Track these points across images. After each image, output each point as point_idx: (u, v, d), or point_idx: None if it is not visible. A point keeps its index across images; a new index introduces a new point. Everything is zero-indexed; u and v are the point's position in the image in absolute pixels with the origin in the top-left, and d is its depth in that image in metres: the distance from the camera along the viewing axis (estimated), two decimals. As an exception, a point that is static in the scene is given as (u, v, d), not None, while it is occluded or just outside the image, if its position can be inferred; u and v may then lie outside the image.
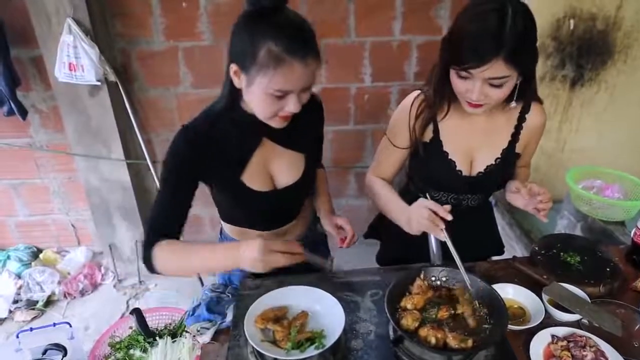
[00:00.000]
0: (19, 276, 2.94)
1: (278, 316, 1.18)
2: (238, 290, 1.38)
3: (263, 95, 1.09)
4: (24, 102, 2.54)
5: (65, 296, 2.92)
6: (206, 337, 1.28)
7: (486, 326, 1.12)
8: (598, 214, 2.06)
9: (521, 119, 1.38)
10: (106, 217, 2.92)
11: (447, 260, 1.30)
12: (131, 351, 1.77)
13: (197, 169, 1.23)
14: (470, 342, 1.05)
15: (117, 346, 1.85)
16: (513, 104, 1.30)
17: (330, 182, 1.67)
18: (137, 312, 1.70)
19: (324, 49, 2.63)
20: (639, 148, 2.75)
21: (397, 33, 2.65)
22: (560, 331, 1.19)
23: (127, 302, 2.90)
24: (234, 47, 1.10)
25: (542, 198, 1.27)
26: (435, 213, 1.21)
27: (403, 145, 1.43)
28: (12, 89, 2.42)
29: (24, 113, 2.51)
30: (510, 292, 1.33)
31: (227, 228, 1.50)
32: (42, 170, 2.96)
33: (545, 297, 1.28)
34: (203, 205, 3.10)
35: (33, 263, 3.06)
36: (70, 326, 1.87)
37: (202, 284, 2.82)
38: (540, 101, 1.39)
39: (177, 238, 1.24)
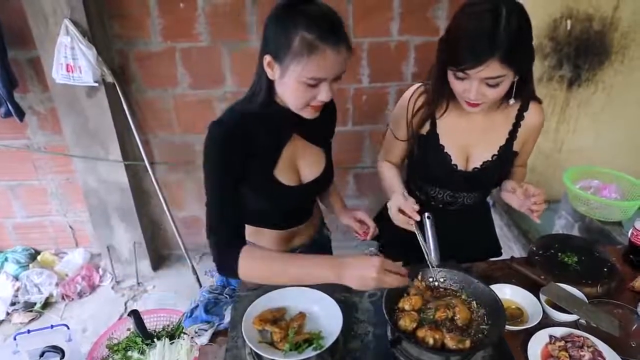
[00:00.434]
0: (16, 278, 2.93)
1: (276, 317, 1.18)
2: (236, 291, 1.38)
3: (296, 84, 1.12)
4: (21, 104, 2.53)
5: (63, 298, 2.91)
6: (204, 339, 1.28)
7: (484, 327, 1.12)
8: (595, 214, 2.07)
9: (519, 117, 1.39)
10: (104, 218, 2.91)
11: (444, 261, 1.30)
12: (129, 353, 1.77)
13: (238, 162, 1.22)
14: (468, 343, 1.05)
15: (115, 348, 1.85)
16: (512, 101, 1.31)
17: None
18: (135, 314, 1.70)
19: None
20: (636, 148, 2.76)
21: (394, 34, 2.65)
22: (558, 331, 1.20)
23: (125, 304, 2.90)
24: (267, 39, 1.14)
25: (536, 199, 1.27)
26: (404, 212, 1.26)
27: (403, 137, 1.46)
28: (10, 90, 2.41)
29: (21, 114, 2.51)
30: (508, 293, 1.33)
31: None
32: (40, 171, 2.95)
33: (542, 297, 1.28)
34: (202, 206, 3.11)
35: (31, 265, 3.05)
36: (68, 328, 1.87)
37: (200, 286, 2.82)
38: (539, 101, 1.40)
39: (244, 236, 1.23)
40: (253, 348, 1.07)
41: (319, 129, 1.36)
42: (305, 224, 1.51)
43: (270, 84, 1.19)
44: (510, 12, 1.11)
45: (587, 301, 1.28)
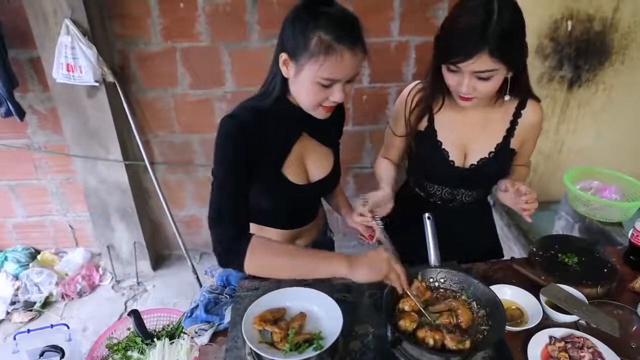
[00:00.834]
0: (16, 277, 2.93)
1: (276, 317, 1.18)
2: (236, 291, 1.38)
3: (310, 84, 1.13)
4: (21, 103, 2.53)
5: (63, 297, 2.91)
6: (204, 339, 1.28)
7: (484, 327, 1.12)
8: (596, 215, 2.07)
9: (517, 114, 1.39)
10: (104, 218, 2.91)
11: (445, 261, 1.31)
12: (129, 353, 1.77)
13: (248, 156, 1.20)
14: (468, 343, 1.05)
15: (115, 348, 1.85)
16: (507, 97, 1.32)
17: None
18: (135, 314, 1.70)
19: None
20: (637, 149, 2.76)
21: (395, 34, 2.65)
22: (558, 332, 1.19)
23: (125, 304, 2.90)
24: (285, 37, 1.14)
25: (526, 198, 1.28)
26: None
27: (402, 133, 1.48)
28: (10, 90, 2.41)
29: (21, 114, 2.51)
30: (508, 293, 1.33)
31: None
32: (40, 171, 2.96)
33: (543, 298, 1.28)
34: (202, 206, 3.13)
35: (31, 264, 3.05)
36: (68, 328, 1.87)
37: (200, 285, 2.82)
38: (537, 99, 1.40)
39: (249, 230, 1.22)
40: (253, 348, 1.07)
41: (328, 128, 1.37)
42: (309, 225, 1.51)
43: (285, 82, 1.20)
44: (502, 7, 1.12)
45: (587, 302, 1.28)
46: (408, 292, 1.16)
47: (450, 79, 1.25)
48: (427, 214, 1.34)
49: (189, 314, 1.37)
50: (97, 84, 2.41)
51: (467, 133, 1.40)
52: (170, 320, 2.07)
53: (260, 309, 1.19)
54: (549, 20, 2.45)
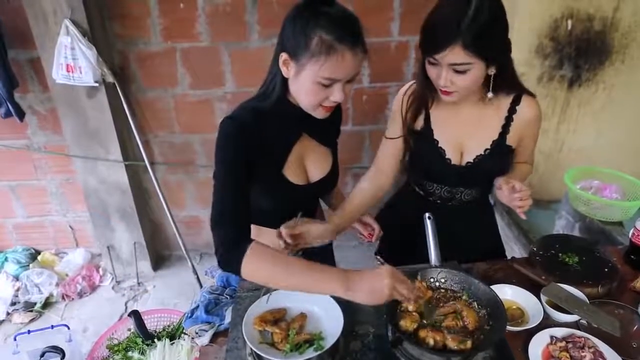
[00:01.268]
0: (16, 278, 2.93)
1: (276, 318, 1.18)
2: (236, 292, 1.38)
3: (311, 84, 1.13)
4: (21, 104, 2.54)
5: (63, 298, 2.91)
6: (204, 339, 1.28)
7: (485, 327, 1.12)
8: (596, 215, 2.06)
9: (511, 110, 1.39)
10: (104, 218, 2.91)
11: (446, 261, 1.31)
12: (129, 353, 1.77)
13: (249, 157, 1.20)
14: (469, 343, 1.05)
15: (116, 348, 1.84)
16: (490, 94, 1.32)
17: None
18: (136, 314, 1.70)
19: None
20: (637, 148, 2.75)
21: (395, 34, 2.65)
22: (559, 332, 1.19)
23: (126, 304, 2.90)
24: (285, 37, 1.14)
25: (520, 195, 1.27)
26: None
27: (395, 134, 1.46)
28: (10, 90, 2.41)
29: (21, 115, 2.51)
30: (509, 293, 1.33)
31: None
32: (40, 171, 2.96)
33: (543, 297, 1.28)
34: (202, 206, 3.13)
35: (31, 265, 3.05)
36: (68, 328, 1.87)
37: (201, 286, 2.82)
38: (532, 94, 1.40)
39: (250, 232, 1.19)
40: (253, 349, 1.07)
41: (327, 128, 1.37)
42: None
43: (285, 82, 1.20)
44: (481, 1, 1.13)
45: (588, 301, 1.27)
46: (409, 308, 1.14)
47: (431, 72, 1.26)
48: (427, 214, 1.34)
49: (189, 315, 1.37)
50: (96, 85, 2.41)
51: (462, 131, 1.41)
52: (170, 321, 2.06)
53: (261, 310, 1.19)
54: (549, 19, 2.44)
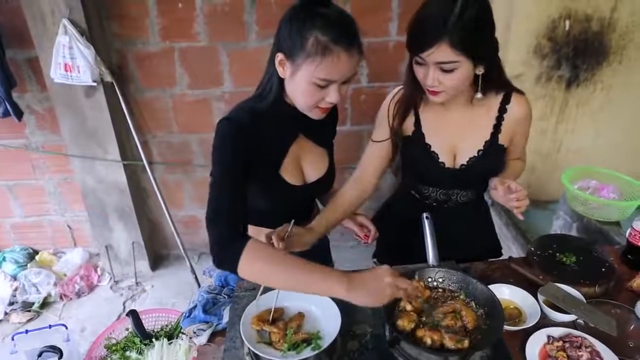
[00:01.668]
0: (14, 278, 2.92)
1: (274, 317, 1.18)
2: (234, 291, 1.38)
3: (306, 84, 1.13)
4: (19, 103, 2.53)
5: (61, 298, 2.91)
6: (202, 339, 1.28)
7: (483, 327, 1.12)
8: (594, 214, 2.07)
9: (502, 110, 1.38)
10: (102, 218, 2.91)
11: (443, 261, 1.31)
12: (127, 353, 1.77)
13: (246, 158, 1.19)
14: (466, 343, 1.05)
15: (114, 348, 1.84)
16: (478, 95, 1.31)
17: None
18: (134, 314, 1.70)
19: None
20: (635, 148, 2.76)
21: (393, 34, 2.65)
22: (556, 331, 1.20)
23: (124, 304, 2.90)
24: (281, 37, 1.14)
25: (516, 196, 1.26)
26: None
27: (381, 138, 1.46)
28: (8, 90, 2.41)
29: (19, 114, 2.50)
30: (506, 293, 1.33)
31: None
32: (38, 171, 2.95)
33: (541, 297, 1.28)
34: (201, 206, 3.12)
35: (29, 265, 3.05)
36: (66, 328, 1.87)
37: (199, 286, 2.82)
38: (521, 92, 1.40)
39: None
40: (251, 348, 1.08)
41: (324, 129, 1.38)
42: (304, 225, 1.51)
43: (281, 82, 1.20)
44: (467, 0, 1.12)
45: (585, 301, 1.28)
46: (407, 308, 1.15)
47: (418, 72, 1.26)
48: (425, 214, 1.34)
49: (187, 314, 1.38)
50: (95, 84, 2.41)
51: (453, 133, 1.40)
52: (168, 321, 2.06)
53: (259, 309, 1.19)
54: (547, 20, 2.45)
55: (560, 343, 1.16)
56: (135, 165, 2.87)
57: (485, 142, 1.39)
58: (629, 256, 1.50)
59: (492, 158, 1.41)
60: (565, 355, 1.12)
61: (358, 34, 1.13)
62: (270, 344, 1.12)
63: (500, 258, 1.60)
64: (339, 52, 1.08)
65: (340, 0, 2.52)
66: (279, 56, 1.14)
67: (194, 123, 2.84)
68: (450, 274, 1.25)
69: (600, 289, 1.34)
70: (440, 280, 1.26)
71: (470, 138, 1.40)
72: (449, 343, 1.05)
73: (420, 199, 1.53)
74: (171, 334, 1.75)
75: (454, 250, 1.42)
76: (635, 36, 2.49)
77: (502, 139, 1.40)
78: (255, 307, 1.20)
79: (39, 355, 1.75)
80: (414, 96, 1.38)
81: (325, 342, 1.08)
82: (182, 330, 1.47)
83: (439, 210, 1.48)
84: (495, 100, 1.38)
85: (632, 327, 1.25)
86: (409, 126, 1.43)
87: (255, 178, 1.24)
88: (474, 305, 1.18)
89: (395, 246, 1.61)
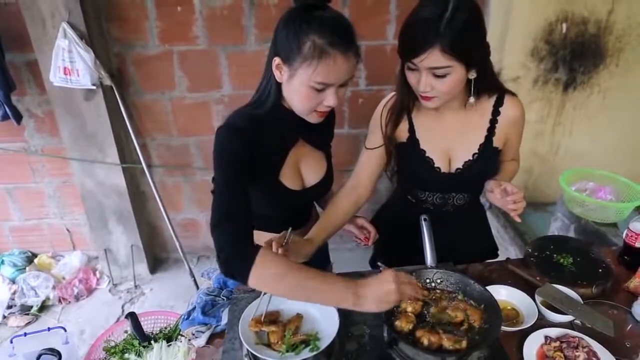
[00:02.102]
0: (13, 281, 2.92)
1: (272, 320, 1.18)
2: (233, 293, 1.39)
3: (304, 88, 1.13)
4: (18, 107, 2.54)
5: (60, 301, 2.90)
6: (201, 341, 1.29)
7: (480, 327, 1.12)
8: (591, 216, 2.07)
9: (495, 112, 1.39)
10: (101, 221, 2.91)
11: (441, 262, 1.31)
12: (126, 355, 1.76)
13: (247, 163, 1.19)
14: (464, 343, 1.05)
15: (112, 350, 1.83)
16: (471, 99, 1.31)
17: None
18: (132, 316, 1.69)
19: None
20: (632, 150, 2.77)
21: (390, 37, 2.66)
22: (553, 332, 1.20)
23: (123, 307, 2.90)
24: (278, 41, 1.14)
25: (513, 198, 1.27)
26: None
27: (374, 145, 1.45)
28: (7, 93, 2.41)
29: (18, 117, 2.51)
30: (504, 294, 1.34)
31: None
32: (37, 174, 2.96)
33: (538, 298, 1.29)
34: (200, 209, 3.13)
35: (27, 268, 3.05)
36: (65, 331, 1.87)
37: (197, 288, 2.82)
38: (513, 94, 1.40)
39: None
40: (250, 349, 1.08)
41: (322, 132, 1.37)
42: (303, 229, 1.51)
43: (279, 87, 1.20)
44: (458, 4, 1.13)
45: (582, 302, 1.28)
46: (407, 309, 1.15)
47: (410, 77, 1.26)
48: (423, 216, 1.35)
49: (186, 316, 1.38)
50: (94, 87, 2.42)
51: (448, 138, 1.40)
52: (167, 323, 2.06)
53: (258, 312, 1.19)
54: (544, 23, 2.47)
55: (557, 343, 1.16)
56: (134, 169, 2.87)
57: (480, 145, 1.40)
58: (626, 257, 1.50)
59: (488, 161, 1.41)
60: (562, 355, 1.13)
61: (355, 37, 1.13)
62: (268, 345, 1.12)
63: (498, 259, 1.61)
64: (336, 56, 1.08)
65: (338, 4, 2.53)
66: (276, 60, 1.14)
67: (193, 126, 2.84)
68: (448, 275, 1.25)
69: (597, 290, 1.35)
70: (439, 281, 1.26)
71: (465, 142, 1.40)
72: (447, 343, 1.05)
73: (416, 204, 1.53)
74: (170, 336, 1.74)
75: (452, 252, 1.42)
76: (631, 39, 2.50)
77: (497, 142, 1.40)
78: (256, 308, 1.20)
79: (38, 357, 1.74)
80: (407, 102, 1.37)
81: (324, 343, 1.08)
82: (180, 332, 1.47)
83: (436, 213, 1.48)
84: (488, 103, 1.38)
85: (629, 328, 1.26)
86: (403, 132, 1.43)
87: (255, 183, 1.24)
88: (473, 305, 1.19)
89: (394, 248, 1.62)
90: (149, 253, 3.14)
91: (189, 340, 1.33)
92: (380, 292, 1.02)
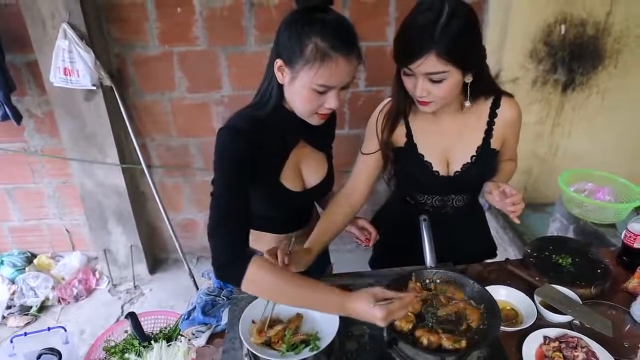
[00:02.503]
0: (12, 281, 2.92)
1: (272, 324, 1.17)
2: (233, 293, 1.39)
3: (305, 91, 1.13)
4: (18, 107, 2.54)
5: (59, 301, 2.90)
6: (201, 340, 1.29)
7: (480, 327, 1.13)
8: (590, 217, 2.08)
9: (492, 114, 1.39)
10: (101, 221, 2.91)
11: (440, 262, 1.32)
12: (126, 355, 1.76)
13: (248, 166, 1.19)
14: (463, 343, 1.06)
15: (112, 350, 1.83)
16: (467, 103, 1.31)
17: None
18: (132, 316, 1.69)
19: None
20: (630, 151, 2.78)
21: (390, 38, 2.67)
22: (552, 332, 1.21)
23: (122, 307, 2.90)
24: (280, 43, 1.14)
25: (513, 199, 1.27)
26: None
27: (371, 150, 1.44)
28: (7, 94, 2.41)
29: (18, 118, 2.51)
30: (503, 294, 1.34)
31: None
32: (37, 175, 2.96)
33: (537, 298, 1.30)
34: (199, 210, 3.13)
35: (27, 268, 3.04)
36: (65, 330, 1.87)
37: (197, 288, 2.82)
38: (510, 95, 1.40)
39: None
40: (250, 349, 1.08)
41: (323, 133, 1.37)
42: (303, 229, 1.51)
43: (280, 88, 1.20)
44: (453, 10, 1.13)
45: (581, 302, 1.29)
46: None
47: (407, 82, 1.25)
48: (422, 216, 1.35)
49: (186, 316, 1.38)
50: (94, 88, 2.42)
51: (445, 141, 1.40)
52: (167, 323, 2.06)
53: (257, 311, 1.19)
54: (543, 24, 2.47)
55: (556, 343, 1.17)
56: (134, 169, 2.87)
57: (478, 147, 1.40)
58: (624, 258, 1.51)
59: (486, 163, 1.42)
60: (561, 355, 1.13)
61: (357, 40, 1.14)
62: (269, 344, 1.12)
63: (497, 260, 1.61)
64: (338, 58, 1.09)
65: (338, 5, 2.53)
66: (278, 62, 1.15)
67: (192, 127, 2.85)
68: (448, 275, 1.26)
69: (596, 290, 1.35)
70: (438, 281, 1.27)
71: (463, 145, 1.40)
72: (447, 343, 1.06)
73: (415, 206, 1.54)
74: (170, 336, 1.75)
75: (451, 253, 1.43)
76: (630, 40, 2.52)
77: (494, 143, 1.41)
78: (254, 309, 1.20)
79: (38, 357, 1.74)
80: (403, 106, 1.37)
81: (324, 343, 1.09)
82: (180, 332, 1.47)
83: (435, 215, 1.49)
84: (485, 105, 1.39)
85: (627, 328, 1.26)
86: (400, 137, 1.43)
87: (256, 185, 1.24)
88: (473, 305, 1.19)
89: (393, 248, 1.62)
90: (148, 253, 3.14)
91: (189, 340, 1.34)
92: (366, 317, 1.04)
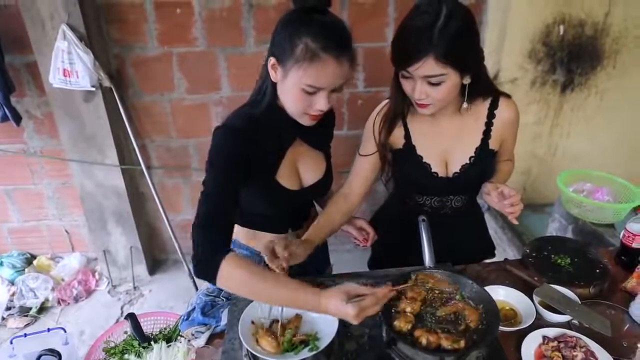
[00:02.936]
0: (12, 283, 2.92)
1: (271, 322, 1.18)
2: (232, 294, 1.39)
3: (295, 90, 1.14)
4: (18, 108, 2.54)
5: (59, 303, 2.90)
6: (201, 341, 1.29)
7: (479, 327, 1.13)
8: (588, 217, 2.09)
9: (490, 115, 1.39)
10: (100, 222, 2.91)
11: (439, 263, 1.32)
12: (126, 356, 1.76)
13: (242, 165, 1.20)
14: (462, 343, 1.06)
15: (112, 351, 1.84)
16: (465, 105, 1.32)
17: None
18: (132, 317, 1.70)
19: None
20: (629, 151, 2.79)
21: (389, 39, 2.66)
22: (551, 332, 1.21)
23: (122, 308, 2.90)
24: (274, 41, 1.16)
25: (511, 201, 1.27)
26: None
27: (368, 152, 1.45)
28: (6, 94, 2.41)
29: (18, 119, 2.51)
30: (502, 294, 1.34)
31: (237, 231, 1.46)
32: (36, 176, 2.95)
33: (536, 298, 1.30)
34: (196, 209, 3.12)
35: (26, 269, 3.04)
36: (65, 331, 1.87)
37: (197, 289, 2.82)
38: (507, 95, 1.40)
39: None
40: (249, 349, 1.08)
41: (320, 133, 1.37)
42: (302, 228, 1.51)
43: (274, 86, 1.21)
44: (450, 12, 1.12)
45: (579, 302, 1.29)
46: (406, 310, 1.15)
47: (405, 85, 1.25)
48: (421, 217, 1.35)
49: (185, 317, 1.38)
50: (93, 89, 2.42)
51: (444, 143, 1.40)
52: (167, 324, 2.06)
53: (257, 311, 1.20)
54: (542, 24, 2.48)
55: (555, 343, 1.17)
56: (133, 170, 2.87)
57: (476, 148, 1.40)
58: (623, 257, 1.51)
59: (484, 163, 1.42)
60: (560, 355, 1.14)
61: (350, 43, 1.14)
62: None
63: (496, 260, 1.62)
64: (327, 60, 1.09)
65: (337, 6, 2.54)
66: (272, 60, 1.16)
67: (192, 128, 2.85)
68: (446, 275, 1.26)
69: (594, 290, 1.36)
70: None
71: (461, 146, 1.41)
72: (445, 343, 1.06)
73: (414, 207, 1.54)
74: (170, 337, 1.75)
75: (450, 253, 1.43)
76: (628, 41, 2.52)
77: (493, 144, 1.41)
78: (254, 309, 1.20)
79: (38, 358, 1.75)
80: (401, 108, 1.38)
81: (323, 343, 1.09)
82: (180, 333, 1.47)
83: (434, 215, 1.49)
84: (483, 106, 1.39)
85: (626, 327, 1.27)
86: (398, 139, 1.43)
87: (252, 183, 1.24)
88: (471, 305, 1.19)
89: (392, 249, 1.62)
90: (148, 254, 3.14)
91: (189, 340, 1.34)
92: (339, 315, 1.04)
